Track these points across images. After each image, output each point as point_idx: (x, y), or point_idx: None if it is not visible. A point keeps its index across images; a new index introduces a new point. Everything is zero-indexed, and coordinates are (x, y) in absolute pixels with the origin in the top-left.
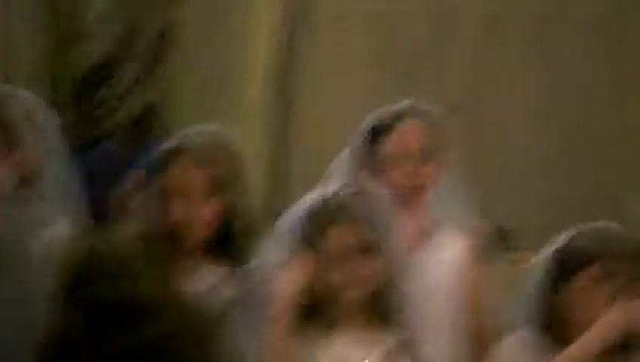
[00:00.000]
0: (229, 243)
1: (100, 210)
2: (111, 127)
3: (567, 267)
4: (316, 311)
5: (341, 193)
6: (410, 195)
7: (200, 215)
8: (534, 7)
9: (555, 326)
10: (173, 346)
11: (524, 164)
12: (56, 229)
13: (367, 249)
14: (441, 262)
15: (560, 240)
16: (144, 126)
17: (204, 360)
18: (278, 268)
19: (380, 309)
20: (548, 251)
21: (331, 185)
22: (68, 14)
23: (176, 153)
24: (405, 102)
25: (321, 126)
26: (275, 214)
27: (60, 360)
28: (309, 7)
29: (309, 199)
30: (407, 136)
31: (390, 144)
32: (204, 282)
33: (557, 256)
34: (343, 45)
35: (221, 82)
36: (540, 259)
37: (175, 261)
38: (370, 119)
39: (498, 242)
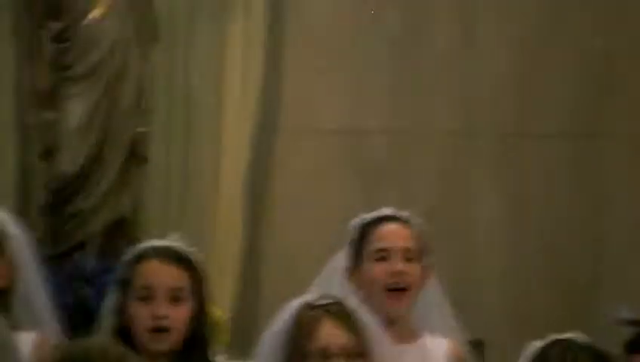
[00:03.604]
0: (194, 352)
1: (71, 319)
2: (83, 239)
3: None
4: None
5: (326, 298)
6: (393, 296)
7: (168, 320)
8: (496, 122)
9: None
10: None
11: (490, 275)
12: (24, 339)
13: (353, 352)
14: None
15: (530, 353)
16: (115, 238)
17: None
18: None
19: None
20: None
21: (314, 291)
22: (41, 127)
23: (141, 258)
24: (385, 209)
25: (294, 237)
26: (245, 328)
27: None
28: (276, 118)
29: (294, 304)
30: (390, 236)
31: (373, 244)
32: None
33: None
34: (311, 155)
35: (191, 195)
36: None
37: None
38: (353, 223)
39: (472, 355)
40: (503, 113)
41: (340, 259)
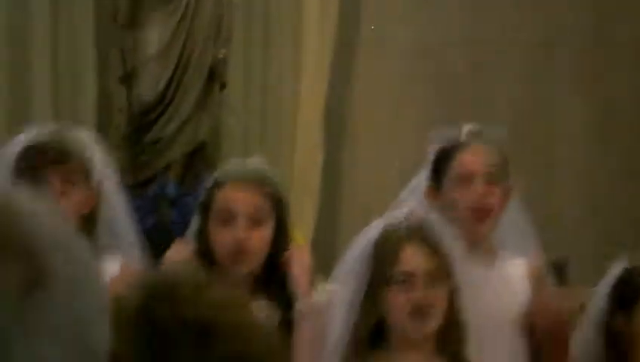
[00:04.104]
0: (274, 275)
1: (154, 242)
2: (164, 165)
3: (625, 300)
4: (381, 338)
5: (410, 219)
6: (476, 218)
7: (248, 242)
8: (578, 32)
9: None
10: None
11: (573, 194)
12: (109, 264)
13: (436, 276)
14: (505, 286)
15: (615, 272)
16: (196, 163)
17: None
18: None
19: (445, 339)
20: (604, 284)
21: (399, 211)
22: (120, 53)
23: (220, 182)
24: (469, 126)
25: (374, 159)
26: (325, 250)
27: None
28: (356, 33)
29: (378, 225)
30: (472, 160)
31: (456, 168)
32: None
33: (614, 289)
34: (390, 72)
35: (270, 119)
36: (597, 292)
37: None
38: (434, 142)
39: (553, 275)
40: (584, 23)
41: (421, 179)
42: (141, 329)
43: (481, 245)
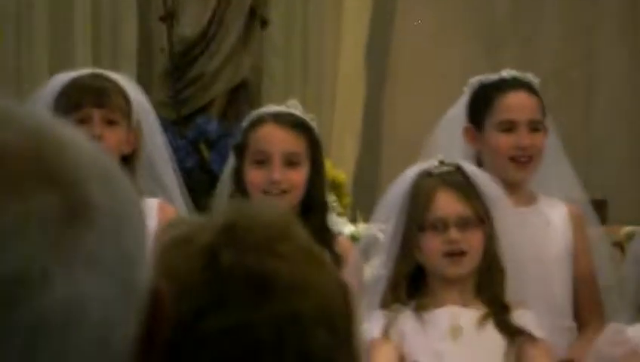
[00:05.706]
0: (309, 220)
1: (193, 182)
2: (205, 103)
3: None
4: (418, 283)
5: (444, 165)
6: (518, 166)
7: (283, 184)
8: None
9: None
10: (301, 328)
11: (614, 132)
12: (149, 205)
13: (469, 221)
14: (545, 227)
15: None
16: (237, 101)
17: (333, 346)
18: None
19: (483, 282)
20: None
21: (433, 157)
22: None
23: (256, 122)
24: (507, 72)
25: (414, 104)
26: (367, 188)
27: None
28: None
29: (411, 172)
30: (516, 107)
31: (498, 114)
32: None
33: None
34: (431, 19)
35: (312, 57)
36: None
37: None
38: (472, 87)
39: (594, 214)
40: None
41: (457, 111)
42: (204, 270)
43: (521, 188)
